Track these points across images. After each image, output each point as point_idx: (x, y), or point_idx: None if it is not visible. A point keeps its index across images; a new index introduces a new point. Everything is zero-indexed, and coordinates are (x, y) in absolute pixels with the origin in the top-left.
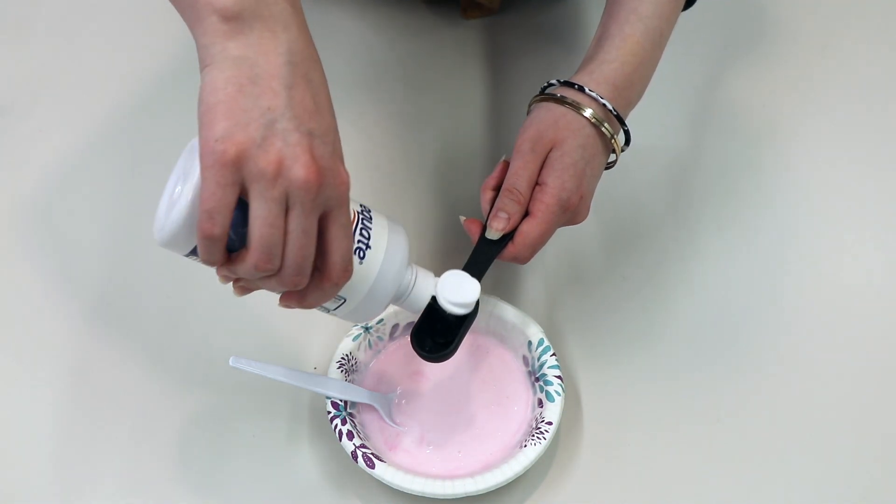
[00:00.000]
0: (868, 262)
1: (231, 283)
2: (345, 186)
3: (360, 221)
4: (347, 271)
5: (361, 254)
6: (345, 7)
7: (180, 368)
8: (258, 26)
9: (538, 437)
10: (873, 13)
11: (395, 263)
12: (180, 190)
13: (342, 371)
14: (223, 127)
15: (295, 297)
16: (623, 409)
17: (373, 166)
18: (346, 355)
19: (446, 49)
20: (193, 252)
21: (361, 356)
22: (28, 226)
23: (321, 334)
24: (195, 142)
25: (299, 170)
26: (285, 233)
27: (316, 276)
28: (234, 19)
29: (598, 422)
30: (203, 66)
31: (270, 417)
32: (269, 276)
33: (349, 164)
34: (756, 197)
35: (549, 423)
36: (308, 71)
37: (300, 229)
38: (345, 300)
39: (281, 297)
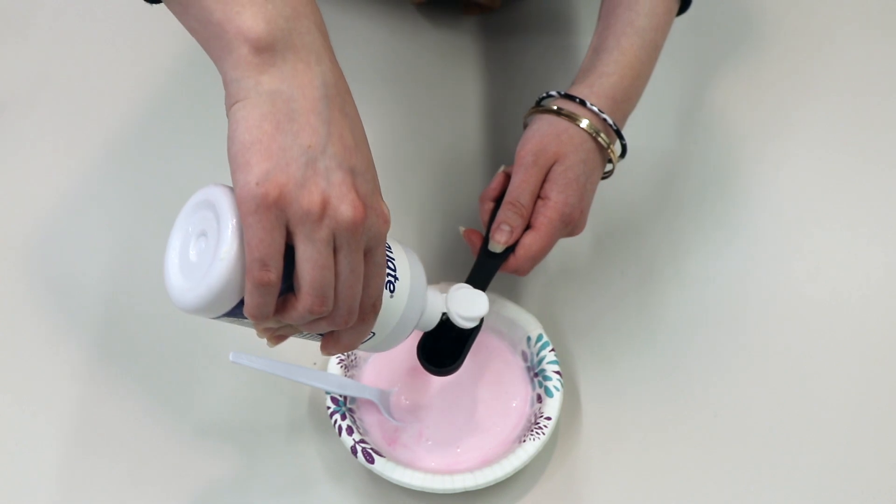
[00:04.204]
0: (860, 258)
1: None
2: (387, 225)
3: None
4: (376, 307)
5: (392, 287)
6: (343, 6)
7: (180, 364)
8: (291, 58)
9: (537, 433)
10: (862, 14)
11: (420, 293)
12: (212, 247)
13: (342, 366)
14: (263, 168)
15: (331, 341)
16: (621, 405)
17: None
18: None
19: (446, 47)
20: (230, 312)
21: (361, 352)
22: (27, 225)
23: None
24: (203, 195)
25: (346, 209)
26: (335, 273)
27: None
28: (267, 50)
29: (596, 417)
30: (233, 101)
31: (270, 413)
32: (319, 318)
33: None
34: (750, 194)
35: (548, 419)
36: (343, 104)
37: (349, 269)
38: (374, 334)
39: (322, 346)
